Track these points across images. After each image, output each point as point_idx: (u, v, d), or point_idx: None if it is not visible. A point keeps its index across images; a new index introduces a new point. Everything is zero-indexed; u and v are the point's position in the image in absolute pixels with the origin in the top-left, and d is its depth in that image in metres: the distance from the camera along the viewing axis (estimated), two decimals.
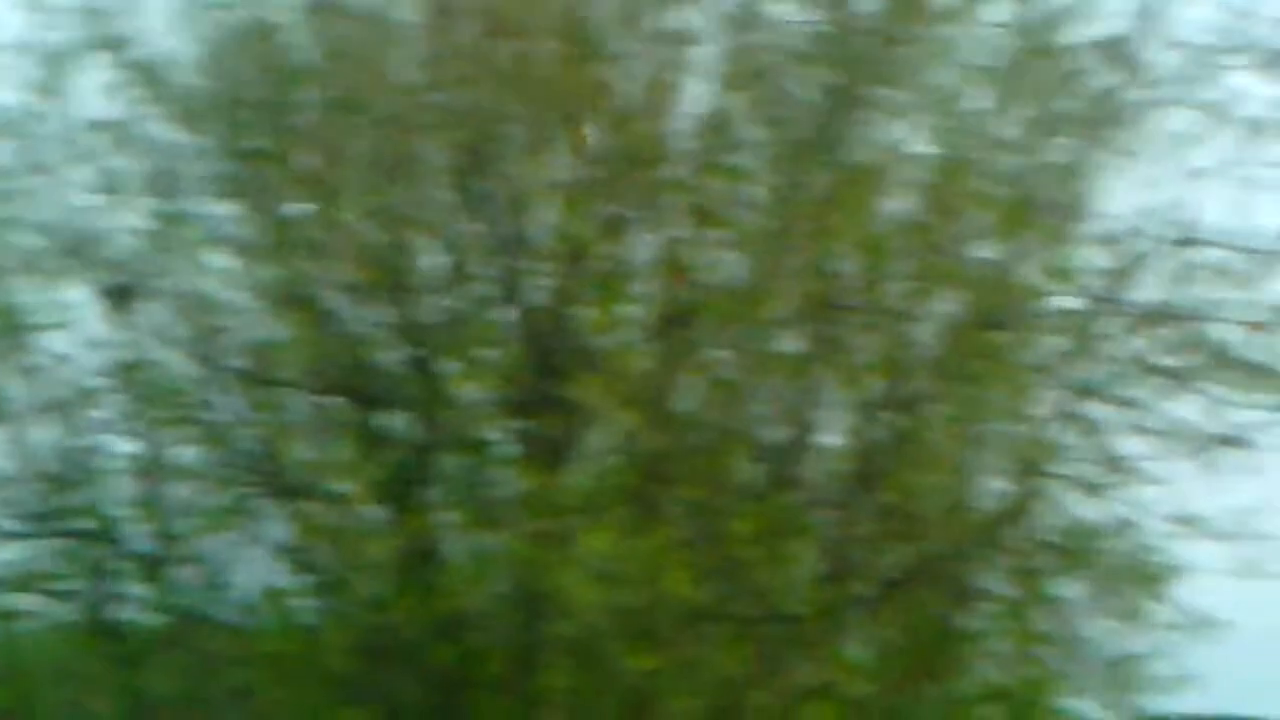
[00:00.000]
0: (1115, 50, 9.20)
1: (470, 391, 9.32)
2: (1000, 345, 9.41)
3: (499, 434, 9.44)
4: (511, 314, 9.36)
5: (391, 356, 9.41)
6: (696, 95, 9.53)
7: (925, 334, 9.63)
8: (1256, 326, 9.29)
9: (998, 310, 9.32)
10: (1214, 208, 9.28)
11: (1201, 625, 9.61)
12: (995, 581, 9.97)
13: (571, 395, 9.01)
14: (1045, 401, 9.68)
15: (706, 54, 9.49)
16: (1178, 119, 9.31)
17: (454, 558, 9.27)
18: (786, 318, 9.32)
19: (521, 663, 8.91)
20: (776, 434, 9.70)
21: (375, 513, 9.37)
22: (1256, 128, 9.21)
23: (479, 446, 9.39)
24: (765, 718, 9.10)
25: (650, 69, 9.37)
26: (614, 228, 9.33)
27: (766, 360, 9.41)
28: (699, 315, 9.22)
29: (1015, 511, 9.79)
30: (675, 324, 9.23)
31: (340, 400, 9.40)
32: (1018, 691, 10.02)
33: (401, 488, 9.29)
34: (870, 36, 9.33)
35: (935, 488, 9.66)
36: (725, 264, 9.52)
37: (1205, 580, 9.69)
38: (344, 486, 9.39)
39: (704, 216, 9.41)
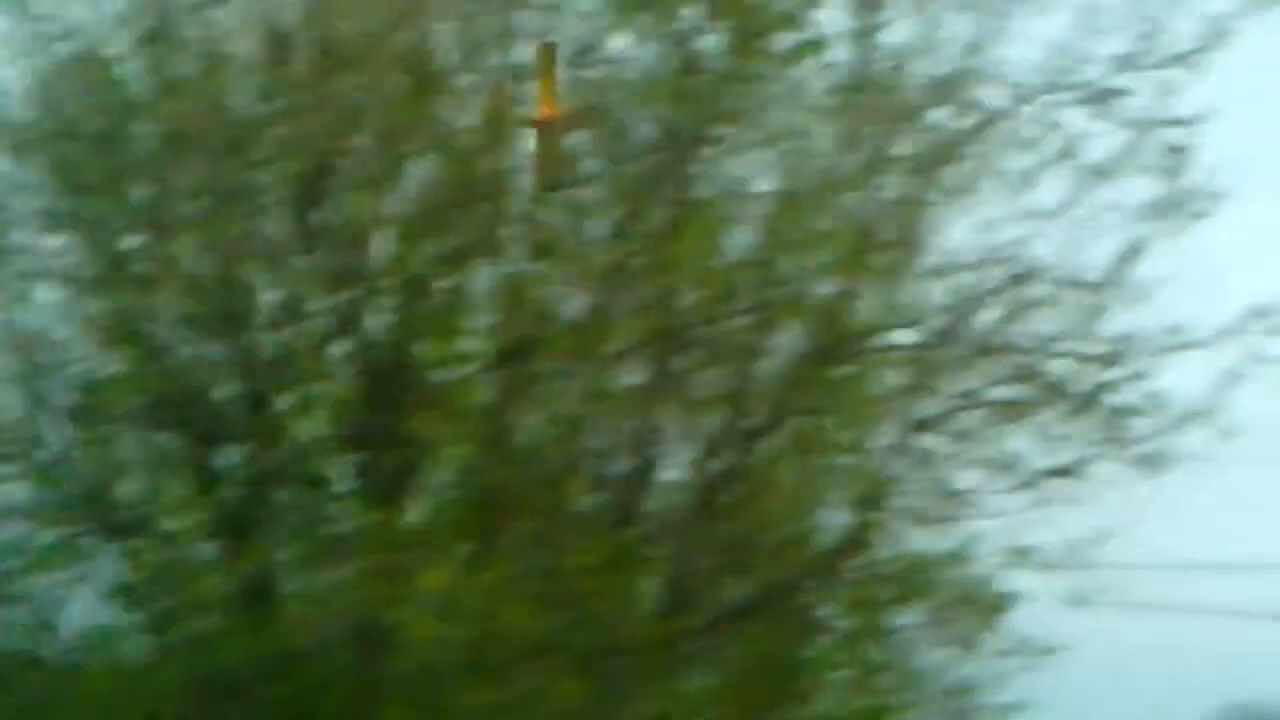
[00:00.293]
0: (950, 89, 9.77)
1: (307, 426, 9.66)
2: (839, 379, 9.95)
3: (336, 469, 9.78)
4: (349, 347, 9.70)
5: (226, 391, 9.71)
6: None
7: (766, 368, 10.15)
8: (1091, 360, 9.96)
9: (837, 344, 9.86)
10: (1048, 245, 9.91)
11: (1035, 653, 10.27)
12: (834, 612, 10.56)
13: (410, 429, 9.42)
14: (884, 434, 10.26)
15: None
16: (1013, 158, 9.90)
17: (290, 594, 9.60)
18: (628, 351, 9.79)
19: (360, 699, 9.25)
20: (618, 467, 10.18)
21: (209, 549, 9.69)
22: (1090, 168, 9.87)
23: (316, 482, 9.73)
24: None
25: (490, 103, 9.78)
26: (453, 261, 9.73)
27: (608, 393, 9.88)
28: (539, 348, 9.65)
29: (854, 543, 10.38)
30: (515, 357, 9.64)
31: (173, 436, 9.70)
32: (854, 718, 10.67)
33: (237, 524, 9.61)
34: (712, 74, 9.79)
35: (775, 520, 10.22)
36: (566, 297, 9.96)
37: (1038, 609, 10.36)
38: (177, 523, 9.70)
39: (545, 250, 9.84)
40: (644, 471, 10.01)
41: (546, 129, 10.01)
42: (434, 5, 9.64)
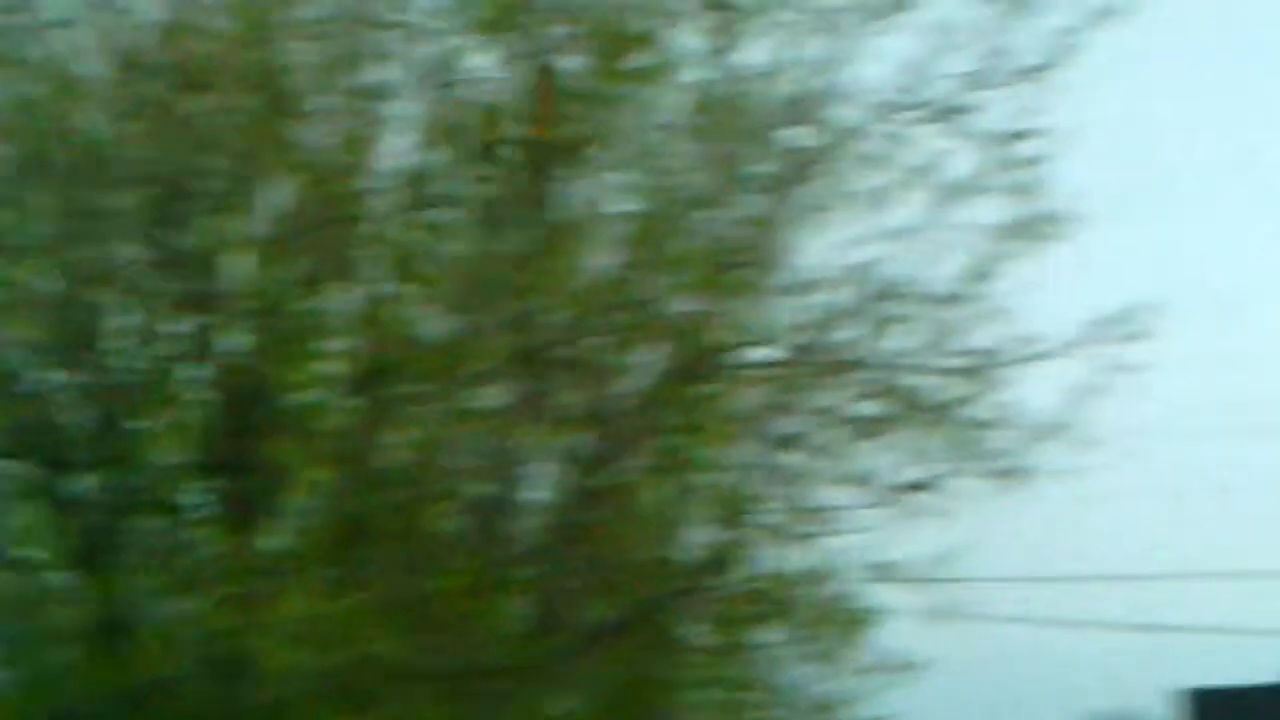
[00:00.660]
0: (804, 108, 10.49)
1: (163, 452, 10.11)
2: (700, 397, 10.59)
3: (193, 495, 10.24)
4: (205, 372, 10.17)
5: (80, 417, 10.14)
6: (396, 150, 10.50)
7: (628, 387, 10.78)
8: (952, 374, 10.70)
9: (697, 363, 10.50)
10: (904, 261, 10.64)
11: (897, 667, 11.01)
12: (699, 631, 11.21)
13: (268, 454, 9.90)
14: (745, 452, 10.94)
15: (406, 108, 10.46)
16: (868, 176, 10.64)
17: (148, 623, 10.04)
18: (490, 372, 10.35)
19: None
20: (481, 489, 10.74)
21: (64, 579, 10.11)
22: (944, 185, 10.63)
23: (173, 509, 10.19)
24: None
25: (348, 123, 10.31)
26: (311, 283, 10.25)
27: (470, 415, 10.44)
28: (400, 370, 10.19)
29: (717, 561, 11.01)
30: (375, 379, 10.16)
31: (26, 464, 10.10)
32: None
33: (92, 553, 10.03)
34: (572, 94, 10.42)
35: (639, 539, 10.83)
36: (427, 319, 10.51)
37: (900, 624, 11.10)
38: (31, 553, 10.12)
39: (404, 271, 10.39)
40: (508, 493, 10.49)
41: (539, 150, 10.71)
42: (290, 25, 10.08)
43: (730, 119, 10.37)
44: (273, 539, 10.06)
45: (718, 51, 10.42)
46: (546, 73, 10.25)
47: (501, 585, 10.36)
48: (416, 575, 9.80)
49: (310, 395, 9.99)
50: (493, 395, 10.45)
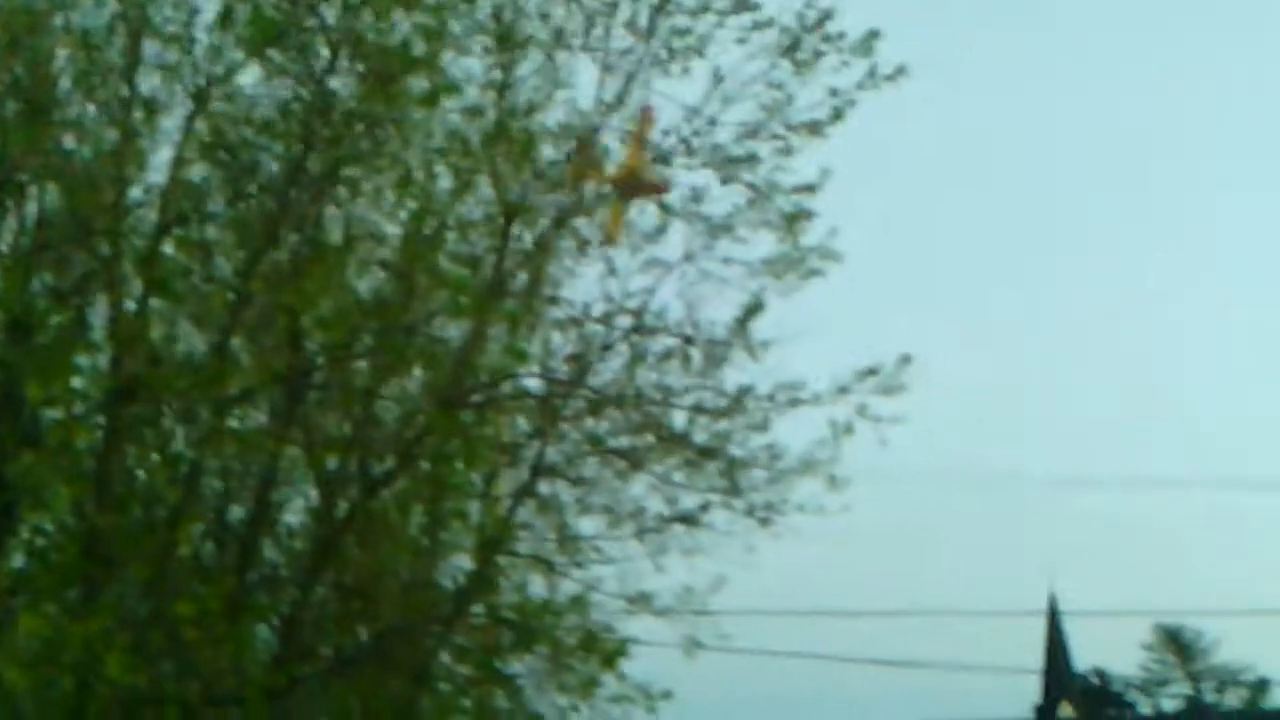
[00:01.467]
0: (578, 140, 12.03)
1: None
2: (461, 424, 11.99)
3: None
4: None
5: None
6: (159, 164, 11.63)
7: (392, 411, 12.17)
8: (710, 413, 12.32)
9: (460, 389, 11.91)
10: (672, 299, 12.22)
11: (652, 698, 12.59)
12: (452, 659, 12.65)
13: (10, 471, 10.99)
14: (504, 479, 12.43)
15: (171, 123, 11.62)
16: (640, 213, 12.21)
17: None
18: (247, 392, 11.59)
19: None
20: (235, 511, 12.00)
21: None
22: (714, 226, 12.28)
23: None
24: None
25: (110, 135, 11.46)
26: (64, 296, 11.37)
27: (226, 435, 11.67)
28: (152, 388, 11.34)
29: (475, 588, 12.47)
30: (127, 396, 11.32)
31: None
32: None
33: None
34: (343, 114, 11.72)
35: (394, 565, 12.22)
36: (183, 336, 11.71)
37: (655, 654, 12.67)
38: None
39: (161, 288, 11.55)
40: (261, 515, 11.76)
41: (626, 187, 12.10)
42: (54, 33, 11.19)
43: (507, 147, 11.78)
44: (13, 558, 10.98)
45: (500, 81, 11.82)
46: None
47: (247, 611, 11.32)
48: (160, 599, 10.49)
49: (57, 412, 10.97)
50: (252, 415, 11.51)
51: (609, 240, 11.99)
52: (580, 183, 11.17)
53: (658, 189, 12.12)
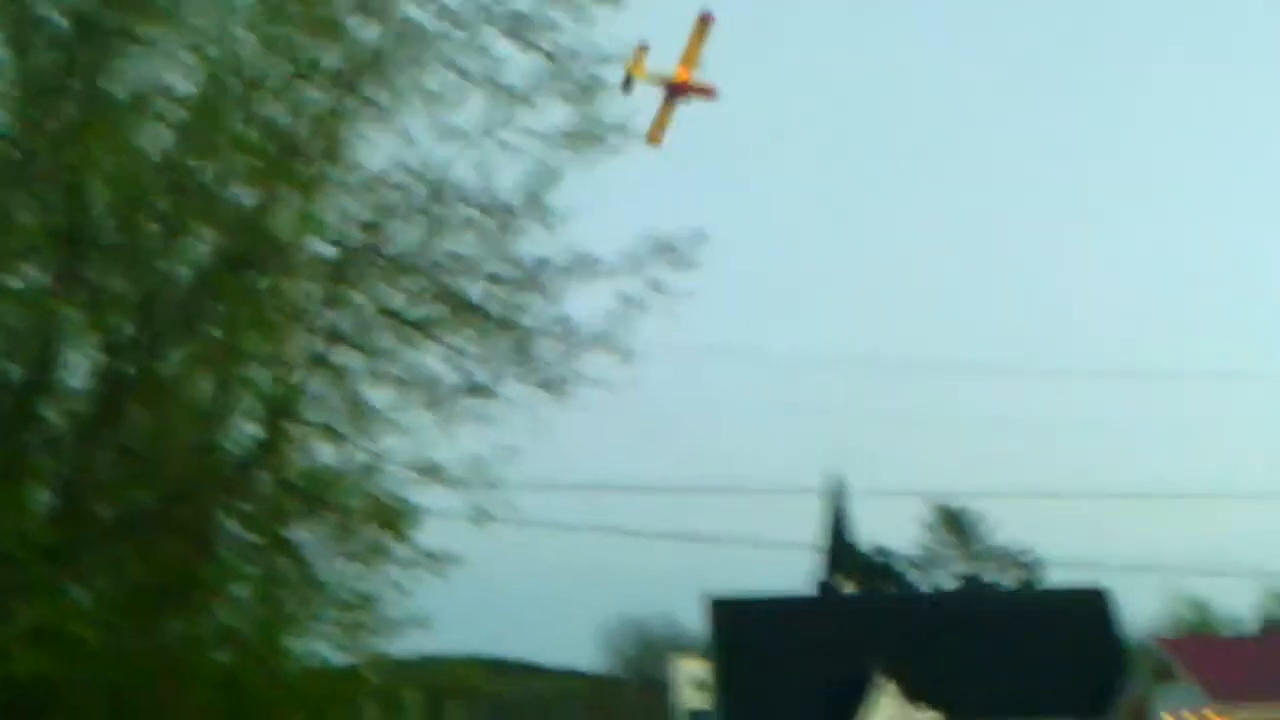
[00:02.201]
0: (377, 3, 13.17)
1: None
2: (252, 289, 13.16)
3: None
4: None
5: None
6: None
7: (177, 274, 13.31)
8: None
9: (251, 254, 13.06)
10: (467, 167, 13.48)
11: (438, 566, 14.04)
12: (237, 525, 13.95)
13: None
14: (295, 347, 13.67)
15: None
16: (437, 78, 13.44)
17: None
18: (29, 251, 12.64)
19: None
20: (12, 372, 13.10)
21: None
22: (510, 93, 13.55)
23: None
24: None
25: None
26: None
27: (3, 295, 12.74)
28: None
29: (262, 455, 13.74)
30: None
31: None
32: (252, 634, 14.09)
33: None
34: None
35: (179, 430, 13.44)
36: None
37: (443, 524, 14.12)
38: None
39: None
40: (42, 377, 12.83)
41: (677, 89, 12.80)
42: None
43: (300, 6, 12.85)
44: None
45: None
46: None
47: (26, 472, 12.35)
48: None
49: None
50: (29, 275, 12.41)
51: (652, 140, 13.37)
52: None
53: (706, 91, 13.60)
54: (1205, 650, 69.15)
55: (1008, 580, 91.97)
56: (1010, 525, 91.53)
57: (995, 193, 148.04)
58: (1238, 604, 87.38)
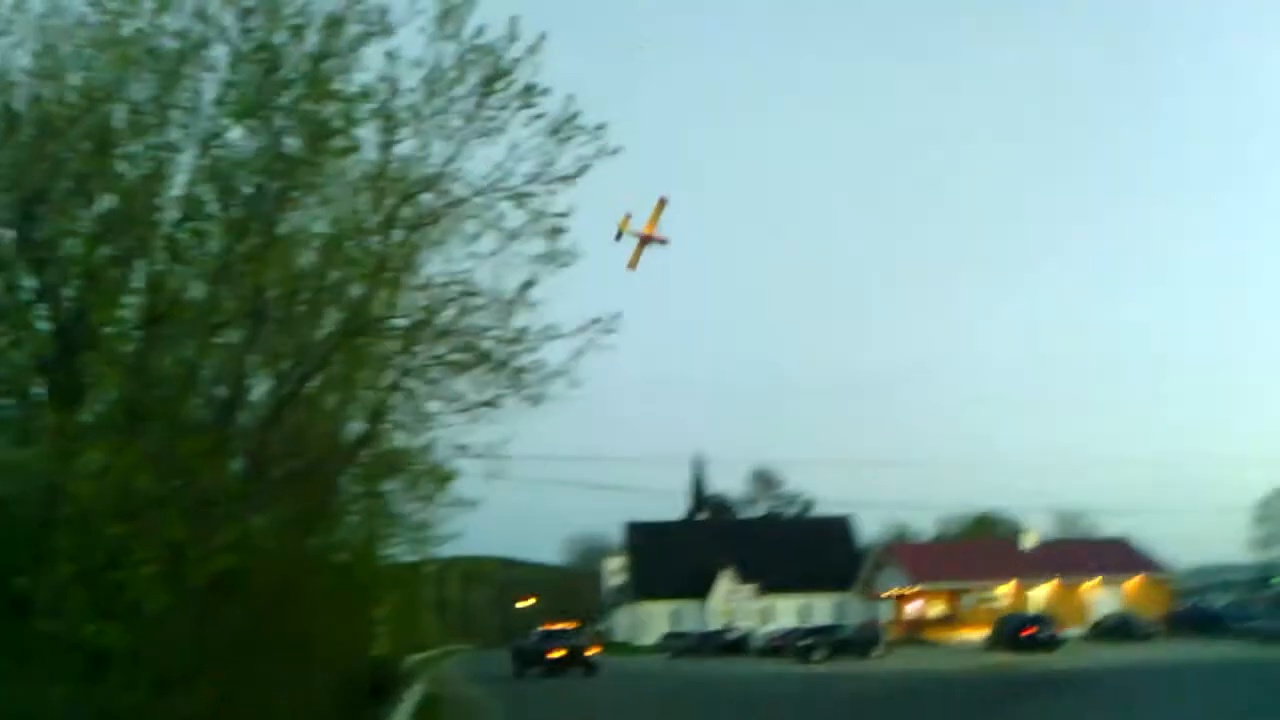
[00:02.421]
0: (434, 182, 15.08)
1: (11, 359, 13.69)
2: (359, 345, 14.95)
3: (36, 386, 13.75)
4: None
5: None
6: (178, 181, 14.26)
7: (316, 336, 15.10)
8: None
9: (359, 324, 14.81)
10: (485, 274, 15.36)
11: (467, 505, 16.01)
12: (350, 481, 15.83)
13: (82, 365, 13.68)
14: (384, 378, 15.55)
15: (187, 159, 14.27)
16: (468, 224, 15.39)
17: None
18: (229, 321, 14.44)
19: (43, 533, 11.22)
20: (220, 391, 14.90)
21: None
22: (509, 232, 15.49)
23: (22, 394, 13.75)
24: (202, 564, 11.59)
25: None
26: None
27: (215, 347, 14.46)
28: (172, 317, 14.11)
29: (364, 441, 15.67)
30: (155, 323, 14.11)
31: None
32: (359, 544, 16.03)
33: None
34: (293, 158, 14.22)
35: (317, 426, 15.32)
36: (192, 285, 14.47)
37: (470, 480, 15.99)
38: None
39: (178, 256, 14.28)
40: (237, 395, 14.62)
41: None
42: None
43: (390, 184, 14.77)
44: (85, 414, 13.19)
45: (384, 144, 14.71)
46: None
47: (228, 448, 14.09)
48: (173, 439, 12.61)
49: (113, 328, 13.64)
50: (230, 336, 14.03)
51: (631, 267, 16.76)
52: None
53: (662, 241, 17.27)
54: (906, 550, 79.49)
55: (794, 511, 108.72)
56: (795, 479, 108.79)
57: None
58: (924, 524, 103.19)
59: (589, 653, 41.30)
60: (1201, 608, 66.67)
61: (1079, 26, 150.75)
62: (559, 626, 51.53)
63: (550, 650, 41.04)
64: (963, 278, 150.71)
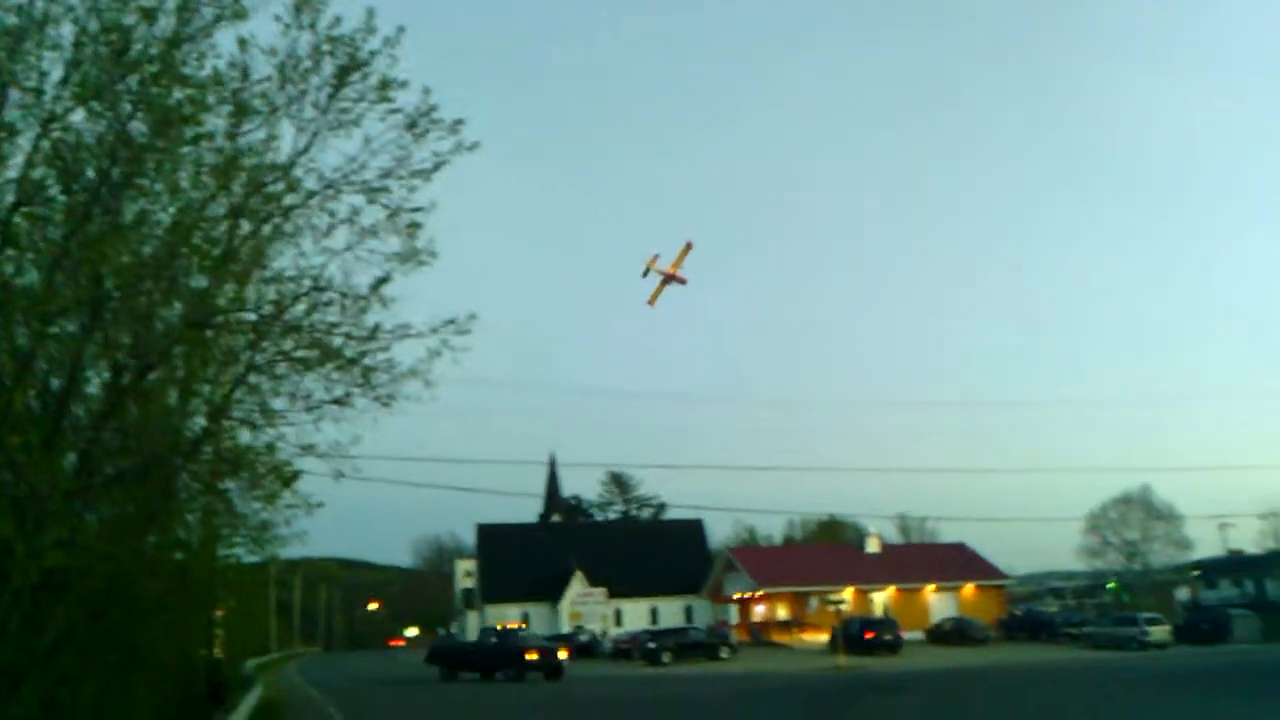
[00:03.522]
0: (284, 172, 15.04)
1: None
2: (202, 338, 14.75)
3: None
4: None
5: None
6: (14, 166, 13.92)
7: (157, 327, 14.84)
8: None
9: (202, 317, 14.81)
10: (337, 269, 15.44)
11: (309, 505, 15.94)
12: (190, 478, 15.61)
13: None
14: (228, 373, 15.34)
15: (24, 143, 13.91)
16: (320, 216, 15.37)
17: None
18: (65, 310, 14.11)
19: None
20: (54, 383, 14.48)
21: None
22: (364, 229, 15.52)
23: None
24: (30, 562, 11.56)
25: None
26: None
27: (49, 336, 14.05)
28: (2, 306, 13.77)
29: (205, 437, 15.45)
30: None
31: None
32: (197, 543, 15.84)
33: None
34: (138, 147, 14.15)
35: (155, 420, 15.04)
36: (26, 273, 14.11)
37: (315, 480, 15.99)
38: None
39: (13, 243, 13.92)
40: (72, 385, 14.23)
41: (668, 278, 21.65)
42: None
43: (237, 170, 14.61)
44: None
45: (231, 130, 14.58)
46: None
47: (61, 442, 13.72)
48: (4, 431, 12.29)
49: None
50: (65, 324, 13.59)
51: (651, 303, 19.36)
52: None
53: (682, 281, 19.62)
54: (753, 554, 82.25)
55: (646, 514, 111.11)
56: (649, 483, 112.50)
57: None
58: (774, 529, 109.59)
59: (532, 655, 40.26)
60: (1034, 613, 70.22)
61: None
62: (511, 626, 52.88)
63: (527, 651, 40.17)
64: (815, 287, 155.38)
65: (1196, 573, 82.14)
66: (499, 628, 45.74)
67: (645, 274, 38.87)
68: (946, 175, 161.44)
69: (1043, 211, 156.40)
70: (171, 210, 13.97)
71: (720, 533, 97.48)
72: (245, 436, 14.34)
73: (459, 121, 14.24)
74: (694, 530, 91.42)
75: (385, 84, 13.76)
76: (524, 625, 64.24)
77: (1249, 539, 77.29)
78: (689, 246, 39.26)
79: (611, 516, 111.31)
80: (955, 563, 76.45)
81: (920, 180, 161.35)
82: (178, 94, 13.46)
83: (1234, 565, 77.72)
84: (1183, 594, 79.34)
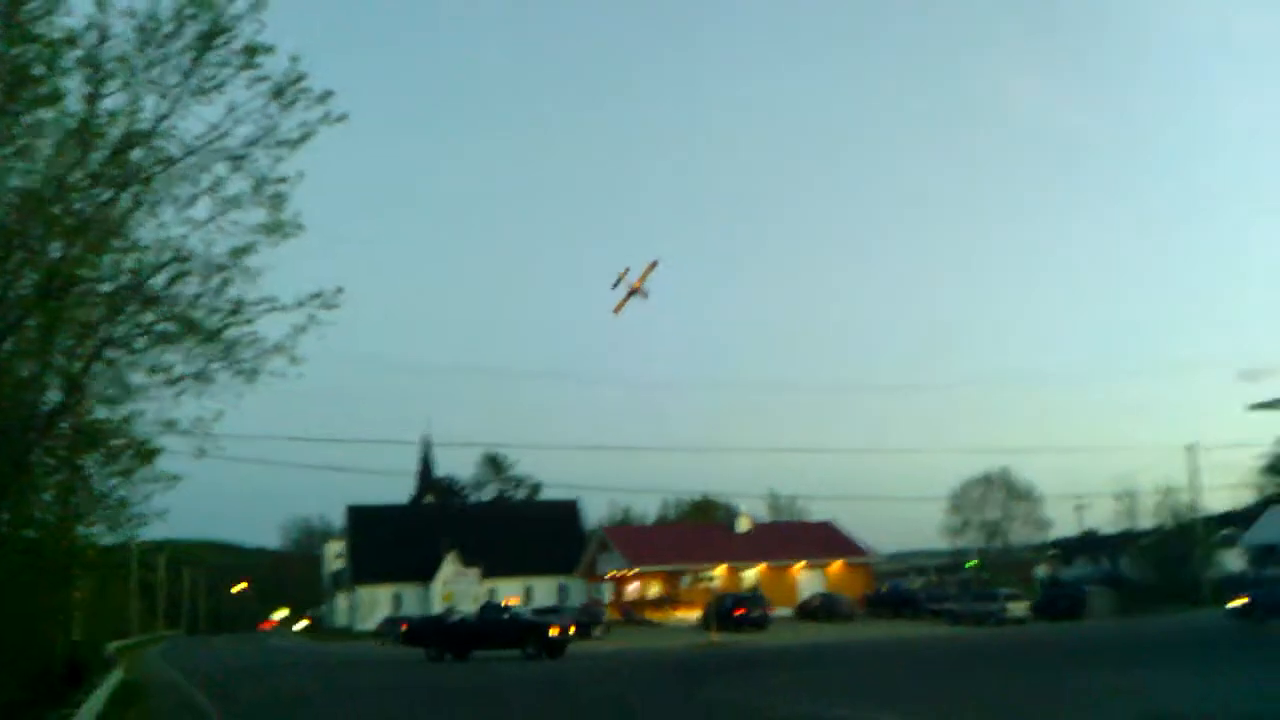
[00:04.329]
0: (146, 139, 14.72)
1: None
2: (57, 309, 14.36)
3: None
4: None
5: None
6: None
7: (10, 297, 14.46)
8: None
9: (58, 287, 14.42)
10: (200, 241, 15.17)
11: (169, 481, 15.72)
12: (48, 452, 15.20)
13: None
14: (85, 345, 15.01)
15: None
16: (180, 186, 15.09)
17: None
18: None
19: None
20: None
21: None
22: (227, 199, 15.27)
23: None
24: None
25: None
26: None
27: None
28: None
29: (61, 411, 15.09)
30: None
31: None
32: (52, 521, 15.47)
33: None
34: None
35: (7, 393, 14.62)
36: None
37: (178, 458, 15.78)
38: None
39: None
40: None
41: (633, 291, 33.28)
42: None
43: (95, 139, 14.29)
44: None
45: (92, 94, 14.19)
46: None
47: None
48: None
49: None
50: None
51: (616, 311, 23.08)
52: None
53: (645, 295, 35.83)
54: (626, 533, 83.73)
55: (521, 495, 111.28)
56: (525, 463, 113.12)
57: None
58: (649, 509, 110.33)
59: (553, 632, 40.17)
60: (899, 589, 72.78)
61: None
62: (510, 602, 54.22)
63: (550, 627, 39.73)
64: (692, 270, 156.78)
65: (1054, 551, 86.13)
66: (504, 604, 46.12)
67: (615, 285, 44.59)
68: (796, 155, 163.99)
69: (900, 189, 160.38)
70: (24, 176, 13.71)
71: (596, 513, 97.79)
72: (103, 412, 13.81)
73: (328, 93, 14.02)
74: (569, 510, 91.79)
75: (251, 50, 13.38)
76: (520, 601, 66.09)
77: (1105, 518, 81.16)
78: (654, 264, 44.91)
79: (486, 497, 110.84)
80: (823, 541, 78.62)
81: (778, 162, 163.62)
82: (29, 53, 13.01)
83: (1090, 544, 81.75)
84: (1041, 571, 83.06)
